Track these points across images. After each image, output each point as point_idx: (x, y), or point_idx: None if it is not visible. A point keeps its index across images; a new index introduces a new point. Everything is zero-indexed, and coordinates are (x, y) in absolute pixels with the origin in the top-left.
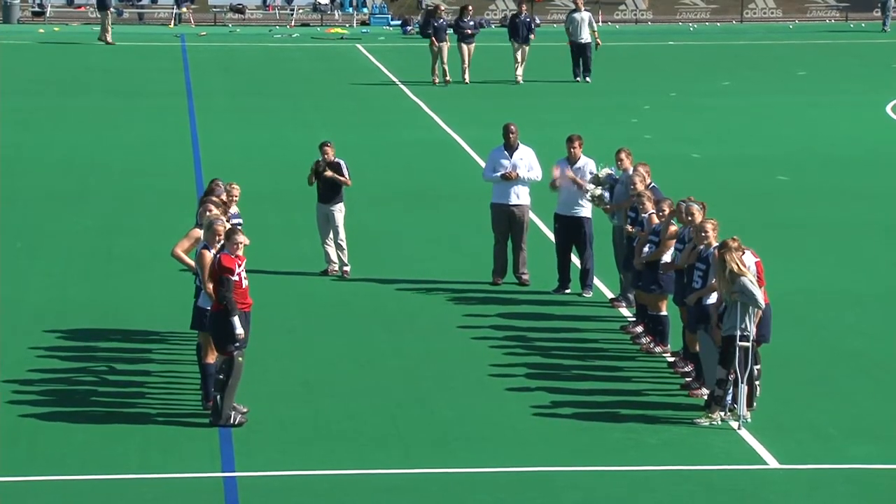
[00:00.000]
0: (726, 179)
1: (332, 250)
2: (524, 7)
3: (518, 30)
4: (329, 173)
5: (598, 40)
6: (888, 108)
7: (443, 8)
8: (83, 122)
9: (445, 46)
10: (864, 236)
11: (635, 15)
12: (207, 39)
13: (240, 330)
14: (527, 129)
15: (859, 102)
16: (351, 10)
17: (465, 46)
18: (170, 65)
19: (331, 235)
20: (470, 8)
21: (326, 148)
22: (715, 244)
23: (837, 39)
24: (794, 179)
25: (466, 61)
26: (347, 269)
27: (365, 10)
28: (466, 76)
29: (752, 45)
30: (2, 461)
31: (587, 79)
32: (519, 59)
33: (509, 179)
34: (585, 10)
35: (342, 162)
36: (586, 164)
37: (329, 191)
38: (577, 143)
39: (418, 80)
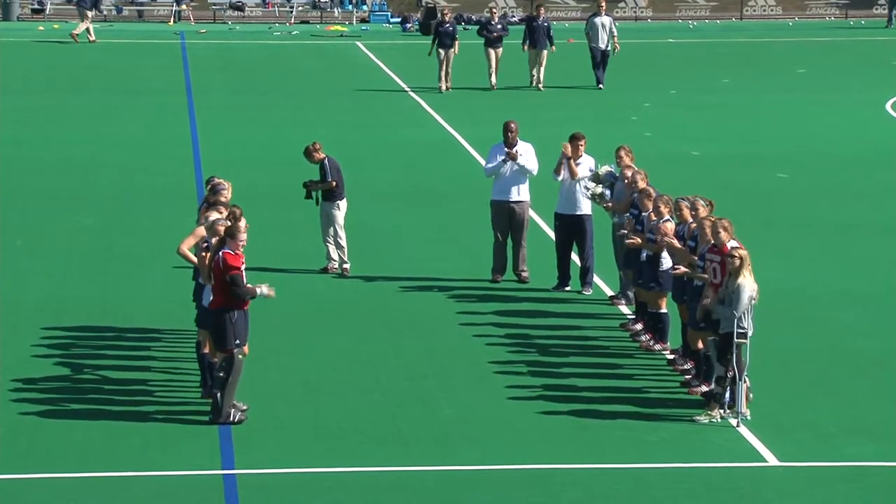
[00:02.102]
0: (726, 177)
1: (332, 248)
2: (542, 11)
3: (536, 35)
4: (313, 186)
5: (616, 45)
6: (888, 106)
7: (447, 12)
8: (83, 120)
9: (451, 53)
10: (863, 235)
11: (635, 13)
12: (207, 37)
13: (263, 292)
14: (526, 128)
15: (859, 100)
16: (350, 7)
17: (492, 51)
18: (169, 62)
19: (331, 233)
20: (495, 10)
21: (312, 155)
22: (714, 241)
23: (837, 37)
24: (794, 177)
25: (493, 66)
26: (347, 266)
27: (364, 7)
28: (493, 80)
29: (751, 43)
30: (2, 458)
31: (599, 86)
32: (535, 65)
33: (512, 158)
34: (607, 14)
35: (326, 162)
36: (585, 161)
37: (328, 190)
38: (581, 143)
39: (418, 78)
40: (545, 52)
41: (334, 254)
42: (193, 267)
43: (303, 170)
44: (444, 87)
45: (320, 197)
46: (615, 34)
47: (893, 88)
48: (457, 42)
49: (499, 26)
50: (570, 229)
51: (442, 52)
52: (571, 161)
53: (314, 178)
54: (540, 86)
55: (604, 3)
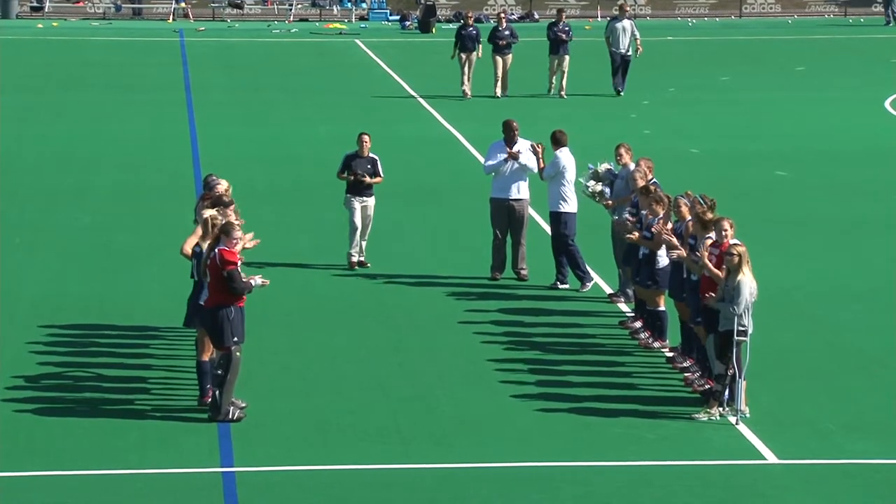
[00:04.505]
0: (725, 175)
1: (356, 241)
2: (563, 15)
3: (556, 40)
4: (368, 180)
5: (639, 47)
6: (887, 104)
7: (470, 14)
8: (82, 117)
9: (474, 57)
10: (862, 232)
11: (634, 10)
12: (206, 34)
13: (256, 282)
14: (525, 124)
15: (858, 98)
16: (349, 4)
17: (499, 58)
18: (168, 60)
19: (360, 227)
20: (503, 16)
21: (363, 143)
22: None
23: (836, 35)
24: (792, 175)
25: (500, 73)
26: (363, 257)
27: (363, 4)
28: (498, 89)
29: (750, 41)
30: (0, 456)
31: (620, 93)
32: (556, 71)
33: (514, 158)
34: (627, 18)
35: (378, 158)
36: (558, 157)
37: (368, 186)
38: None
39: (417, 76)
40: (567, 57)
41: (356, 247)
42: (192, 265)
43: (301, 168)
44: (467, 93)
45: (345, 190)
46: (638, 37)
47: (892, 86)
48: (479, 46)
49: (507, 32)
50: (552, 226)
51: (464, 56)
52: (540, 159)
53: (336, 171)
54: (563, 93)
55: (627, 7)
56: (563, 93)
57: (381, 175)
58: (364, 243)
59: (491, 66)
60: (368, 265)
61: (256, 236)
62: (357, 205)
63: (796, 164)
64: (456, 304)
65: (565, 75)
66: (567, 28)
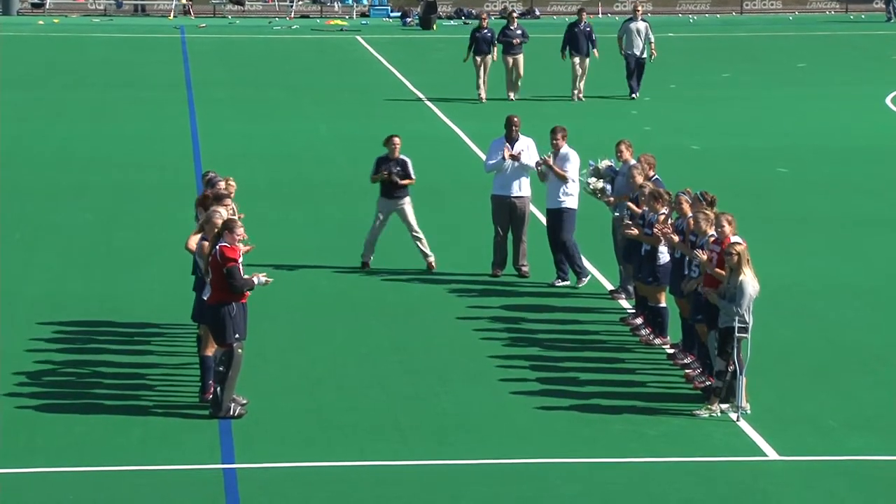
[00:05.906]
0: (726, 171)
1: (371, 243)
2: (584, 15)
3: (578, 41)
4: (403, 182)
5: (654, 51)
6: (888, 100)
7: (484, 17)
8: (82, 114)
9: (489, 59)
10: (863, 229)
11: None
12: (207, 31)
13: (260, 280)
14: (527, 121)
15: (859, 94)
16: (350, 1)
17: (510, 58)
18: (169, 57)
19: (377, 228)
20: (515, 15)
21: (395, 145)
22: (711, 232)
23: (837, 31)
24: (793, 172)
25: (515, 75)
26: (432, 258)
27: (364, 1)
28: (511, 93)
29: (751, 37)
30: (1, 453)
31: (633, 95)
32: (579, 72)
33: (514, 159)
34: (643, 20)
35: (408, 160)
36: (567, 153)
37: (399, 187)
38: (559, 135)
39: (418, 72)
40: (588, 59)
41: (370, 248)
42: (193, 261)
43: (302, 165)
44: (482, 96)
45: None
46: (652, 40)
47: (893, 83)
48: (494, 48)
49: (518, 31)
50: (552, 222)
51: (479, 58)
52: (556, 167)
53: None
54: (581, 96)
55: (640, 8)
56: (581, 95)
57: (413, 177)
58: (419, 244)
59: (502, 66)
60: (431, 266)
61: (257, 234)
62: (384, 209)
63: (797, 161)
64: (457, 300)
65: (584, 79)
66: (588, 29)
